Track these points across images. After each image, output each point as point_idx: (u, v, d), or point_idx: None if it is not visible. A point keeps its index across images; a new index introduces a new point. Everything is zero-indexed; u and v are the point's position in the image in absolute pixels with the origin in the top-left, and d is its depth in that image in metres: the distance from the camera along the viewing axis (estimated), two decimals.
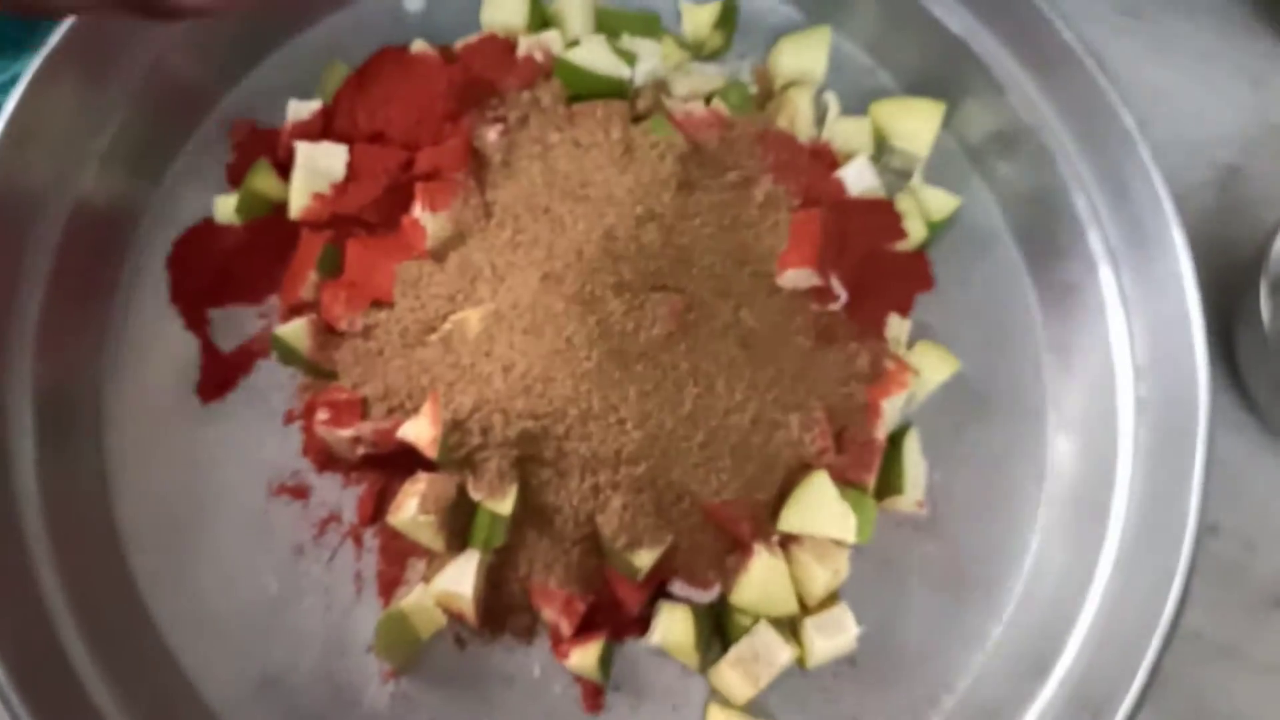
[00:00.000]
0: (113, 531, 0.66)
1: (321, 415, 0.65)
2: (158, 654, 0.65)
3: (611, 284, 0.63)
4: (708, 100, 0.74)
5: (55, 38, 0.64)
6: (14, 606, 0.61)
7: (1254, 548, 0.74)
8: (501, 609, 0.66)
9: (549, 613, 0.65)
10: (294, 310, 0.69)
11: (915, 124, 0.74)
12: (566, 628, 0.64)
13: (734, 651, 0.65)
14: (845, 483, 0.67)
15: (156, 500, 0.67)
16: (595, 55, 0.71)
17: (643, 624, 0.66)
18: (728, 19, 0.77)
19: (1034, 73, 0.73)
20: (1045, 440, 0.72)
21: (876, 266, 0.72)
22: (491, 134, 0.68)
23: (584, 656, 0.64)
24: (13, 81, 0.64)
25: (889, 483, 0.69)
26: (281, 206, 0.70)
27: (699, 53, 0.77)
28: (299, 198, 0.68)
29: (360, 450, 0.66)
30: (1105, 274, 0.71)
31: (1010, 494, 0.71)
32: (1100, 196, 0.71)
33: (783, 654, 0.64)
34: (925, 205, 0.73)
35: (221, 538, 0.67)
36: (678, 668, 0.67)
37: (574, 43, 0.73)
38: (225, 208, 0.71)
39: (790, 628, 0.66)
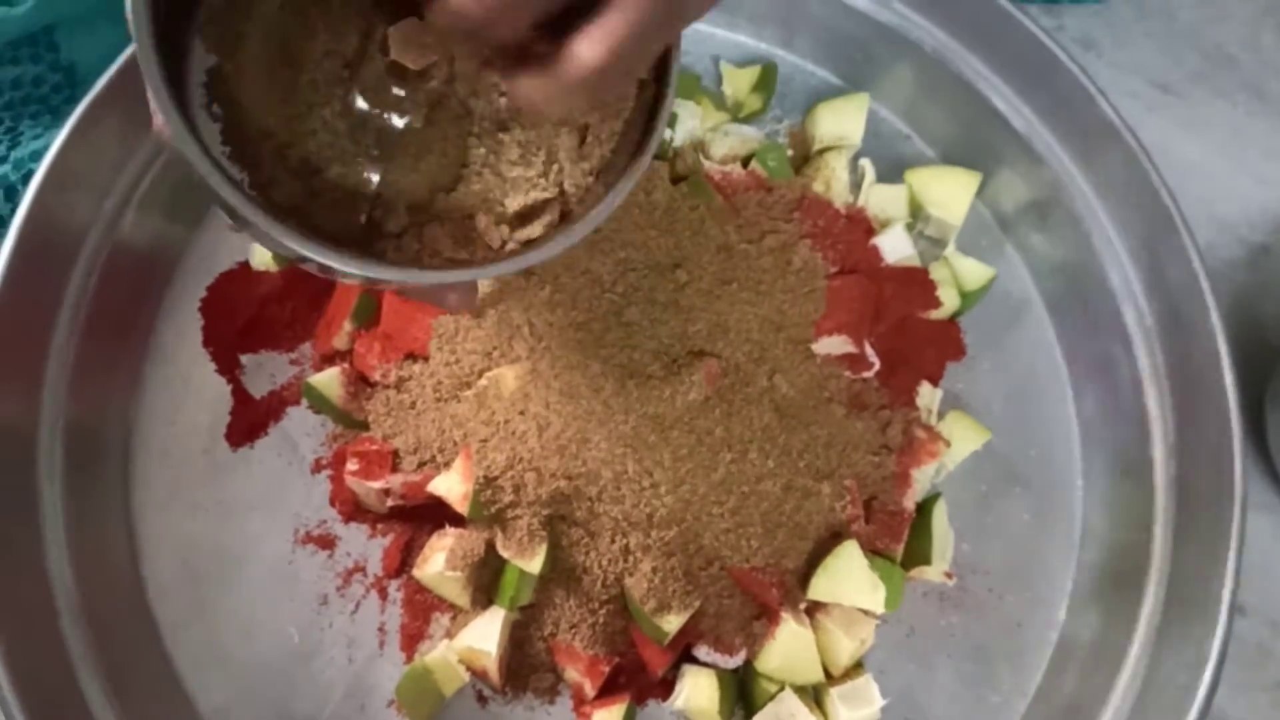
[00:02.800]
0: (137, 574, 0.66)
1: (351, 465, 0.65)
2: (178, 700, 0.64)
3: (650, 348, 0.63)
4: (745, 162, 0.74)
5: (98, 85, 0.65)
6: (35, 647, 0.60)
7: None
8: (525, 667, 0.65)
9: (573, 673, 0.64)
10: (327, 359, 0.69)
11: (950, 192, 0.75)
12: (590, 689, 0.64)
13: (758, 718, 0.64)
14: (873, 552, 0.67)
15: (182, 544, 0.67)
16: None
17: (666, 687, 0.66)
18: (767, 82, 0.77)
19: (1070, 146, 0.73)
20: (1076, 514, 0.72)
21: (909, 335, 0.72)
22: None
23: (606, 719, 0.63)
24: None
25: (917, 552, 0.68)
26: None
27: (737, 114, 0.77)
28: None
29: (389, 502, 0.66)
30: (1139, 349, 0.71)
31: (1039, 567, 0.71)
32: (1135, 272, 0.71)
33: None
34: (960, 275, 0.73)
35: (246, 585, 0.66)
36: None
37: None
38: (262, 254, 0.71)
39: (815, 696, 0.66)
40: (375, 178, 0.47)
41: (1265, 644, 0.73)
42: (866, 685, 0.65)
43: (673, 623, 0.62)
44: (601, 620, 0.64)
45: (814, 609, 0.66)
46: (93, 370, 0.66)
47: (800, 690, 0.65)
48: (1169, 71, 0.85)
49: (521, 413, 0.62)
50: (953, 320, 0.74)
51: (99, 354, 0.67)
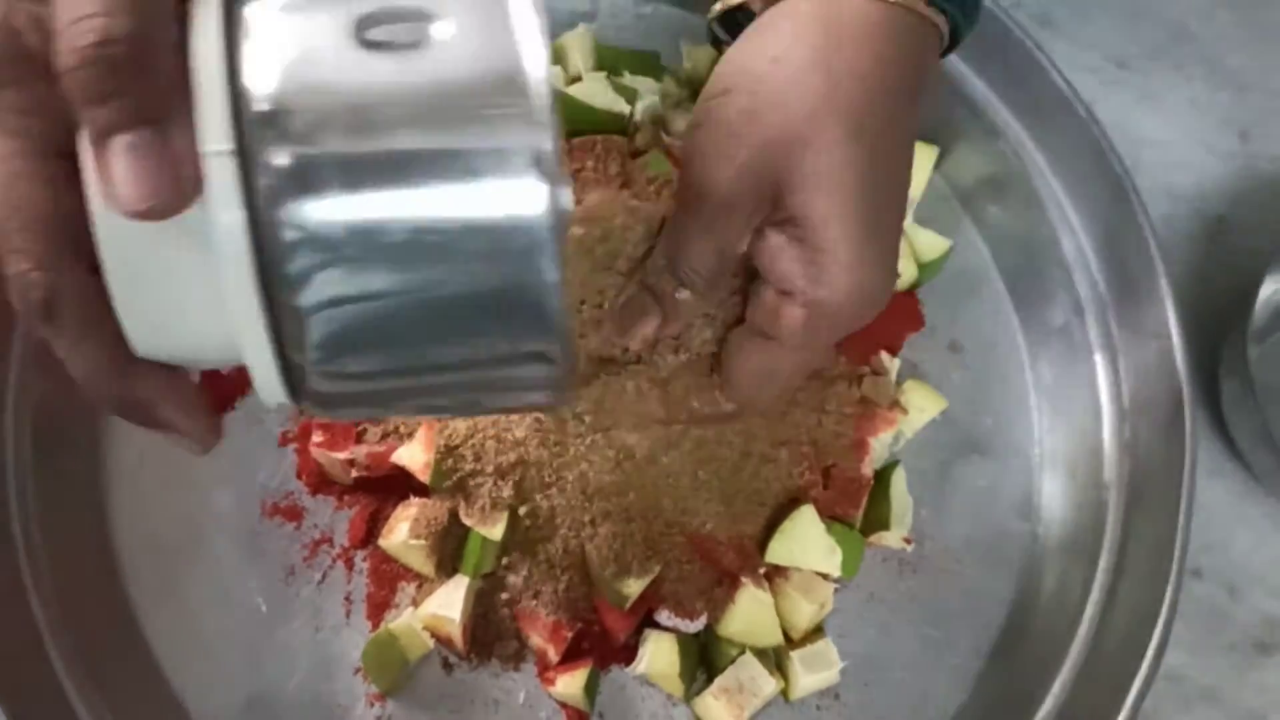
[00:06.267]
0: (106, 548, 0.67)
1: (316, 438, 0.66)
2: (146, 671, 0.65)
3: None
4: None
5: None
6: (3, 621, 0.61)
7: (1236, 592, 0.75)
8: (489, 634, 0.66)
9: (536, 639, 0.65)
10: None
11: None
12: (553, 654, 0.65)
13: (719, 682, 0.65)
14: (832, 518, 0.68)
15: (150, 519, 0.68)
16: (595, 91, 0.72)
17: (629, 652, 0.67)
18: None
19: (1026, 119, 0.74)
20: (1031, 480, 0.73)
21: None
22: None
23: (570, 684, 0.64)
24: None
25: (876, 518, 0.69)
26: None
27: (698, 91, 0.78)
28: None
29: (354, 473, 0.67)
30: (1092, 319, 0.72)
31: (996, 532, 0.72)
32: (1089, 243, 0.73)
33: (767, 686, 0.65)
34: (917, 246, 0.74)
35: (213, 557, 0.67)
36: (662, 697, 0.67)
37: (575, 79, 0.74)
38: None
39: (775, 660, 0.67)
40: None
41: (1222, 607, 0.75)
42: (826, 649, 0.67)
43: (633, 587, 0.63)
44: (563, 586, 0.64)
45: (774, 574, 0.67)
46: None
47: (761, 654, 0.66)
48: (1126, 46, 0.86)
49: None
50: (910, 291, 0.75)
51: None
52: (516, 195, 0.31)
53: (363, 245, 0.31)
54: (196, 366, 0.38)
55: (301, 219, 0.31)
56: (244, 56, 0.31)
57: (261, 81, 0.31)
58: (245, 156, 0.31)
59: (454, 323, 0.33)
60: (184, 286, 0.33)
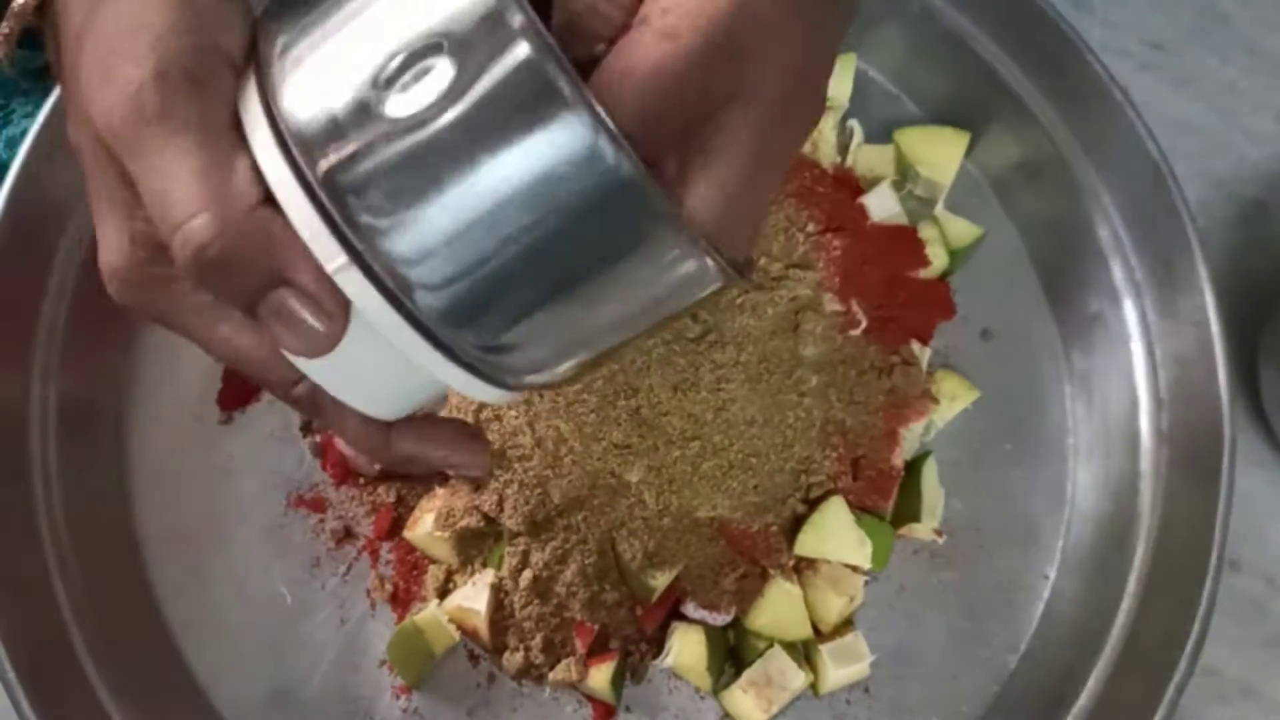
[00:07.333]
0: (131, 539, 0.67)
1: None
2: (171, 661, 0.65)
3: None
4: None
5: None
6: (28, 610, 0.61)
7: (1276, 585, 0.73)
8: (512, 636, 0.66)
9: (563, 634, 0.65)
10: None
11: (939, 152, 0.74)
12: (580, 647, 0.64)
13: (747, 675, 0.64)
14: (862, 509, 0.67)
15: (175, 509, 0.67)
16: None
17: (657, 645, 0.66)
18: None
19: (1060, 104, 0.73)
20: (1065, 471, 0.72)
21: (898, 293, 0.71)
22: None
23: (597, 676, 0.64)
24: None
25: (906, 510, 0.68)
26: None
27: None
28: None
29: (377, 465, 0.66)
30: (1128, 306, 0.71)
31: (1029, 524, 0.71)
32: (1124, 229, 0.71)
33: (796, 679, 0.64)
34: (948, 233, 0.73)
35: (238, 548, 0.67)
36: (690, 690, 0.66)
37: None
38: None
39: (805, 653, 0.66)
40: None
41: (1260, 599, 0.73)
42: (856, 642, 0.66)
43: (660, 579, 0.62)
44: (592, 578, 0.64)
45: (803, 566, 0.66)
46: (84, 339, 0.67)
47: (789, 647, 0.65)
48: (1162, 29, 0.84)
49: None
50: (942, 279, 0.73)
51: (90, 321, 0.67)
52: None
53: (477, 251, 0.34)
54: (425, 406, 0.45)
55: (419, 274, 0.34)
56: (313, 161, 0.34)
57: (334, 177, 0.34)
58: (359, 256, 0.34)
59: (578, 249, 0.34)
60: (377, 361, 0.38)
